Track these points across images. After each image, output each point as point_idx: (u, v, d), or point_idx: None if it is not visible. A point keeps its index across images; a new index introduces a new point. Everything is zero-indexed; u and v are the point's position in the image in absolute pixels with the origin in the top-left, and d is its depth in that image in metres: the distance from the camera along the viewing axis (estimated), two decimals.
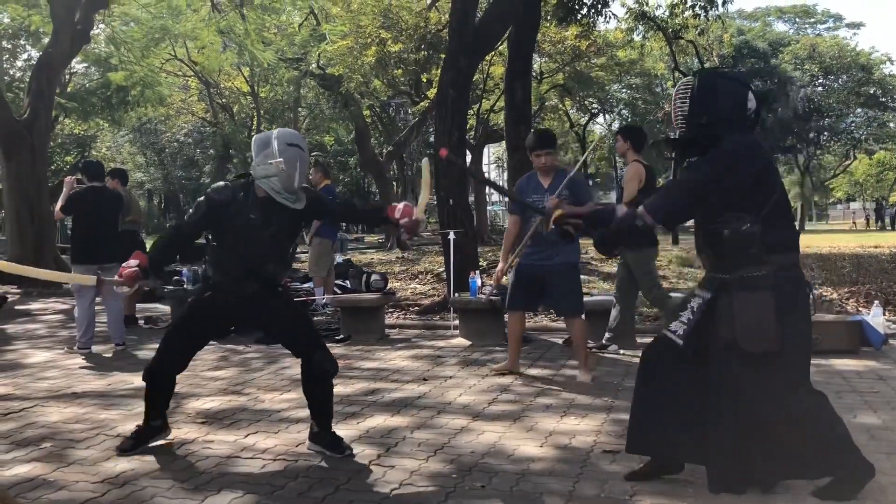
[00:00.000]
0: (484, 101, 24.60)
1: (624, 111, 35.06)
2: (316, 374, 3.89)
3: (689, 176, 3.24)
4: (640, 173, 6.23)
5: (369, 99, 25.12)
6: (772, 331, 2.96)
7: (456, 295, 7.75)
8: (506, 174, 13.90)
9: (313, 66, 22.71)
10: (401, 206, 3.89)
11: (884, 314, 6.97)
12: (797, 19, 47.10)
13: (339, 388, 5.30)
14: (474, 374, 5.79)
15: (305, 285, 9.80)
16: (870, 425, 4.17)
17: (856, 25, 59.54)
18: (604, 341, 6.62)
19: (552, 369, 5.95)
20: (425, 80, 22.14)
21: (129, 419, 4.55)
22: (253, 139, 3.92)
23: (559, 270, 5.46)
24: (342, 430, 4.22)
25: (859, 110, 44.87)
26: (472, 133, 27.57)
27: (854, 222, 51.63)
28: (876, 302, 7.35)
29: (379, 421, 4.48)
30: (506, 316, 6.23)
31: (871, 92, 41.73)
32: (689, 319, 3.18)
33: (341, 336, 7.53)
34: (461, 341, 7.32)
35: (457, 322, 7.71)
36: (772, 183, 3.09)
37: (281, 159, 3.68)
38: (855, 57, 41.21)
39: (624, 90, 33.95)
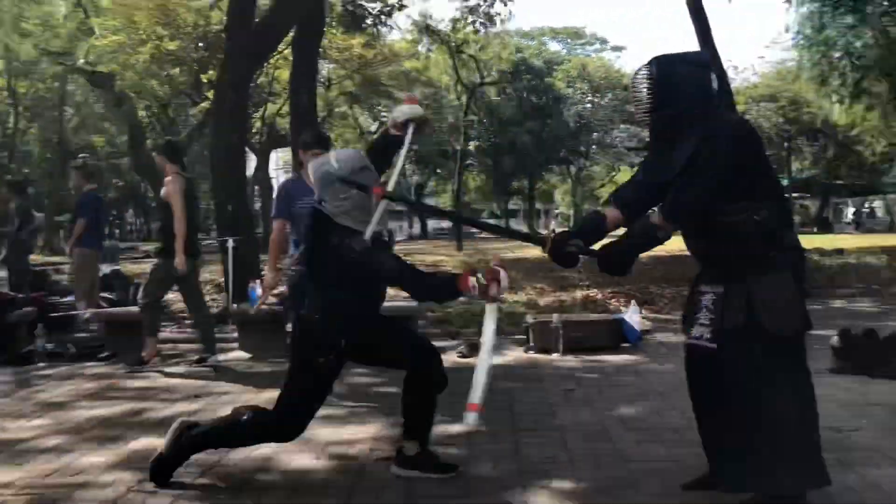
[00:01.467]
0: (270, 104, 24.05)
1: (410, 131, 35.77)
2: None
3: (704, 167, 2.84)
4: (182, 186, 6.37)
5: (145, 98, 23.68)
6: (798, 310, 2.84)
7: (235, 306, 7.45)
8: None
9: (81, 61, 21.00)
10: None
11: (640, 313, 7.59)
12: (569, 40, 50.58)
13: (100, 411, 4.89)
14: (252, 388, 5.57)
15: (67, 299, 8.96)
16: (625, 416, 4.49)
17: (619, 48, 64.89)
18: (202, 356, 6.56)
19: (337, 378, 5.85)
20: (206, 81, 21.23)
21: None
22: (312, 173, 3.41)
23: None
24: (99, 456, 3.87)
25: (623, 126, 49.09)
26: (258, 137, 26.87)
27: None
28: (633, 301, 8.01)
29: (142, 444, 4.14)
30: (289, 326, 6.02)
31: (632, 110, 45.72)
32: (711, 319, 2.92)
33: (105, 353, 6.94)
34: (241, 354, 7.03)
35: (236, 334, 7.40)
36: (767, 159, 3.01)
37: (353, 192, 3.24)
38: (619, 77, 45.00)
39: (401, 93, 34.67)
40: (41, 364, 6.68)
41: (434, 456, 3.53)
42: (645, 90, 2.92)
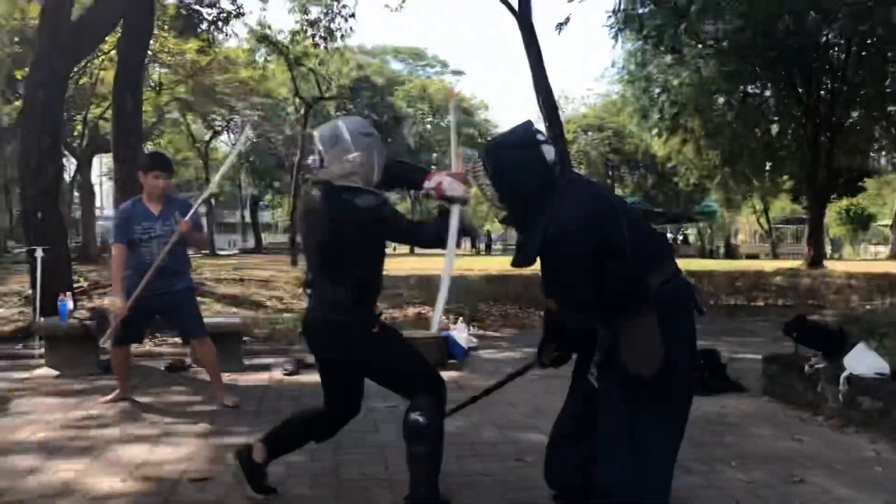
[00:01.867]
0: (94, 107, 22.67)
1: (249, 131, 34.83)
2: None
3: (562, 268, 2.86)
4: None
5: None
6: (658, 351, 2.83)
7: (41, 320, 6.92)
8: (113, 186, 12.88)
9: None
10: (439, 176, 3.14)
11: (467, 330, 7.78)
12: (411, 60, 51.35)
13: None
14: (57, 407, 5.19)
15: None
16: (446, 431, 4.56)
17: (459, 73, 66.63)
18: None
19: (152, 396, 5.58)
20: (20, 78, 19.71)
21: None
22: (315, 135, 3.23)
23: (182, 295, 5.29)
24: None
25: (461, 149, 50.31)
26: (80, 141, 25.24)
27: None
28: (460, 318, 8.21)
29: None
30: (104, 344, 5.64)
31: (472, 133, 47.12)
32: (595, 357, 3.04)
33: None
34: (47, 371, 6.52)
35: (43, 350, 6.87)
36: (614, 221, 2.85)
37: (358, 153, 3.11)
38: (459, 100, 46.18)
39: (248, 110, 33.79)
40: None
41: (264, 475, 3.42)
42: (489, 183, 2.95)
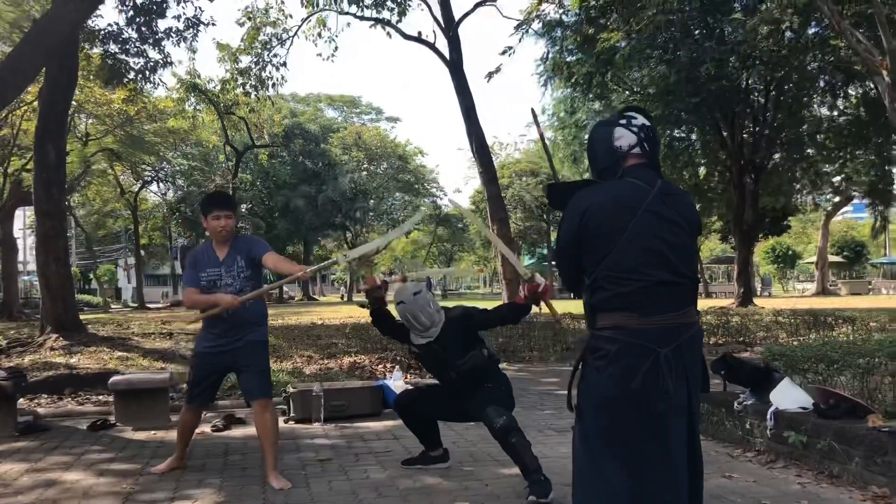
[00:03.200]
0: (15, 159, 22.03)
1: (180, 181, 34.40)
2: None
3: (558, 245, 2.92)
4: None
5: None
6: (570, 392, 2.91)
7: None
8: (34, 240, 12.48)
9: None
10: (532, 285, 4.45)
11: (403, 378, 7.68)
12: (345, 108, 51.66)
13: None
14: None
15: None
16: (378, 482, 4.48)
17: (394, 119, 67.50)
18: None
19: (72, 456, 5.32)
20: None
21: None
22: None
23: (254, 349, 4.70)
24: None
25: (398, 194, 50.60)
26: (0, 194, 24.46)
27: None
28: (397, 367, 8.11)
29: None
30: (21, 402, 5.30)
31: (408, 179, 47.43)
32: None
33: None
34: None
35: None
36: (607, 233, 2.69)
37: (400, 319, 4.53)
38: (394, 147, 46.50)
39: (180, 159, 33.38)
40: None
41: None
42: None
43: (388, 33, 17.45)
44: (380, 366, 9.53)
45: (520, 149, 47.24)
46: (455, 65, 16.79)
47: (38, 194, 11.17)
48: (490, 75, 14.90)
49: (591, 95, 19.75)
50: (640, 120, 2.83)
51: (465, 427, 5.79)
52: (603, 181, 2.80)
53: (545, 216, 41.15)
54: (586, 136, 14.50)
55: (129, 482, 4.61)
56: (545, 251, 43.18)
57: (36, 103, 14.46)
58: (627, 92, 20.82)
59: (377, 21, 17.36)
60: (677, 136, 22.42)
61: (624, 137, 2.78)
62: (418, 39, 17.34)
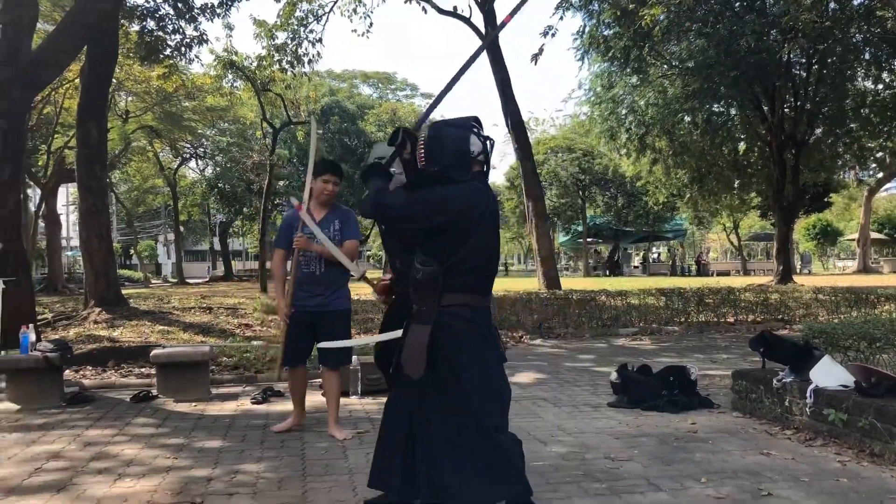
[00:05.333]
0: (58, 137, 22.41)
1: (218, 157, 34.68)
2: None
3: (415, 194, 3.18)
4: None
5: None
6: (421, 359, 3.07)
7: (2, 353, 6.76)
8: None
9: None
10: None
11: None
12: (380, 84, 51.52)
13: None
14: (18, 443, 5.05)
15: None
16: None
17: (429, 95, 66.96)
18: None
19: (115, 428, 5.46)
20: None
21: None
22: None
23: (339, 319, 5.06)
24: None
25: None
26: (44, 171, 24.93)
27: None
28: None
29: None
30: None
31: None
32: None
33: None
34: (8, 406, 6.37)
35: (3, 384, 6.71)
36: (473, 233, 3.13)
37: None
38: (431, 124, 46.27)
39: (218, 135, 33.65)
40: None
41: None
42: (420, 150, 3.25)
43: (423, 8, 17.32)
44: None
45: (555, 124, 46.83)
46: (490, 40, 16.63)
47: (80, 171, 11.37)
48: (535, 58, 14.66)
49: (628, 70, 19.41)
50: (483, 132, 3.26)
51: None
52: (452, 178, 3.13)
53: (581, 193, 40.78)
54: (623, 112, 14.32)
55: (171, 452, 4.73)
56: (580, 228, 42.90)
57: (78, 81, 14.67)
58: (665, 66, 20.46)
59: None
60: (716, 110, 21.98)
61: (475, 144, 3.19)
62: (454, 14, 17.19)
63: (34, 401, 6.36)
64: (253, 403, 6.35)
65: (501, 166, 51.37)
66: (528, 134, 20.68)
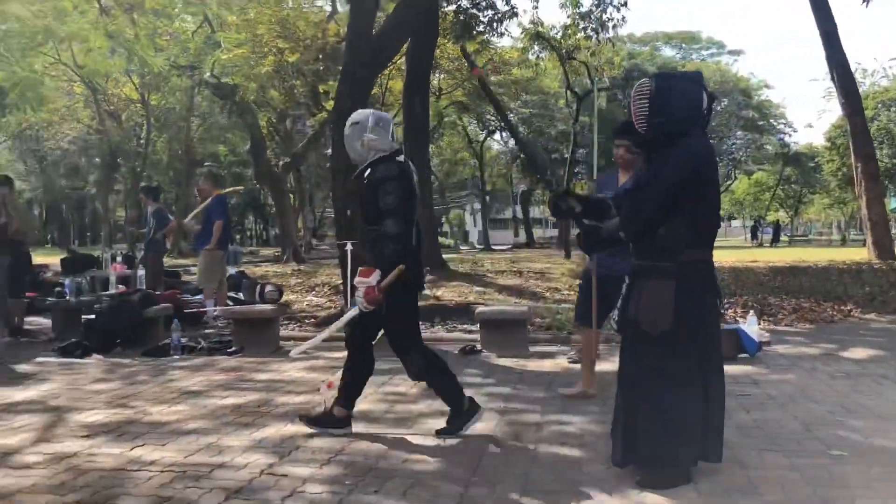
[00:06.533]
0: None
1: (521, 128, 35.84)
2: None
3: (656, 183, 3.20)
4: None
5: (266, 109, 24.73)
6: (668, 315, 3.12)
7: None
8: None
9: (207, 74, 22.19)
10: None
11: (758, 323, 7.39)
12: (683, 45, 49.48)
13: (232, 400, 5.23)
14: (371, 383, 5.76)
15: (197, 297, 9.53)
16: (742, 423, 4.41)
17: (736, 52, 63.14)
18: None
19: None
20: (323, 92, 22.01)
21: (7, 434, 4.33)
22: (371, 119, 4.22)
23: (616, 283, 4.73)
24: (234, 440, 4.15)
25: (739, 133, 47.57)
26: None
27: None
28: (751, 312, 7.81)
29: (272, 430, 4.41)
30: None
31: (750, 115, 44.30)
32: (619, 308, 3.40)
33: (233, 348, 7.36)
34: None
35: None
36: (714, 183, 3.28)
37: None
38: (736, 82, 43.64)
39: (521, 107, 34.74)
40: (176, 356, 7.15)
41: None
42: (642, 100, 3.24)
43: None
44: (730, 310, 9.24)
45: (888, 76, 41.45)
46: None
47: (407, 145, 12.46)
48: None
49: None
50: (707, 88, 3.33)
51: None
52: (682, 130, 3.18)
53: None
54: None
55: (500, 400, 5.11)
56: None
57: (400, 63, 16.01)
58: None
59: None
60: None
61: (705, 100, 3.27)
62: None
63: (378, 349, 7.16)
64: (570, 363, 6.59)
65: (820, 125, 46.81)
66: (857, 87, 18.61)
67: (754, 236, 49.42)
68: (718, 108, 43.68)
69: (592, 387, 5.18)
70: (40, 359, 7.06)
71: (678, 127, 3.17)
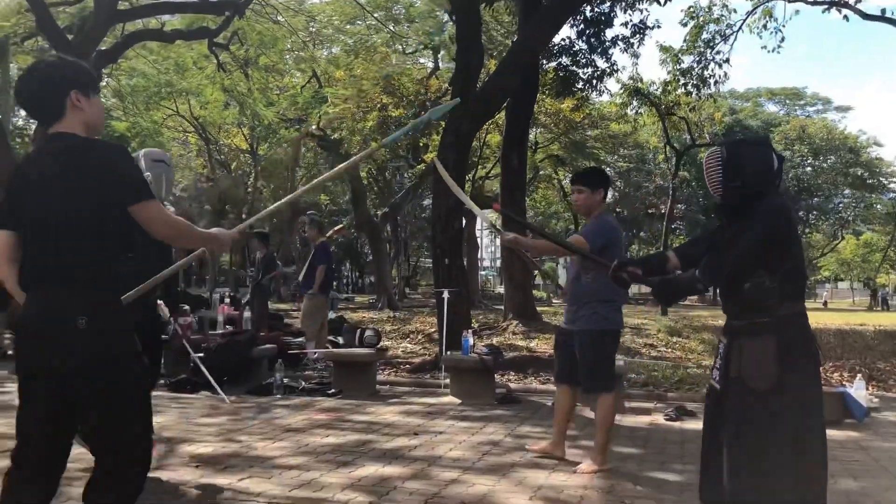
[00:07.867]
0: (479, 168, 25.02)
1: (618, 182, 35.67)
2: None
3: (744, 237, 3.25)
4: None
5: (367, 161, 25.55)
6: (772, 370, 3.12)
7: (448, 353, 7.84)
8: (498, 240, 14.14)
9: (314, 126, 23.17)
10: None
11: (866, 388, 7.09)
12: (787, 101, 48.33)
13: (332, 439, 5.41)
14: (464, 430, 5.87)
15: (298, 339, 9.88)
16: (849, 490, 4.27)
17: (844, 109, 60.99)
18: None
19: (542, 427, 6.03)
20: (422, 145, 22.62)
21: None
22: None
23: (582, 337, 4.68)
24: (334, 478, 4.31)
25: (847, 191, 45.87)
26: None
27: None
28: (859, 375, 7.50)
29: (371, 470, 4.55)
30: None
31: (859, 173, 42.71)
32: (719, 364, 3.39)
33: (333, 390, 7.60)
34: (451, 399, 7.38)
35: (447, 381, 7.78)
36: (797, 238, 3.36)
37: (149, 174, 4.12)
38: (843, 139, 42.26)
39: (618, 161, 34.65)
40: (278, 395, 7.44)
41: None
42: (716, 168, 3.32)
43: (845, 16, 15.96)
44: (836, 373, 8.89)
45: None
46: None
47: (503, 198, 12.65)
48: None
49: None
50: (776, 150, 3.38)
51: None
52: (761, 192, 3.24)
53: None
54: None
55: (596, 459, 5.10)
56: None
57: (498, 117, 16.33)
58: None
59: (832, 4, 16.00)
60: None
61: (775, 161, 3.31)
62: (882, 18, 15.57)
63: (472, 397, 7.27)
64: (666, 420, 6.50)
65: None
66: None
67: (884, 303, 47.66)
68: (825, 164, 42.34)
69: (560, 448, 4.99)
70: (153, 393, 7.46)
71: (753, 189, 3.26)
